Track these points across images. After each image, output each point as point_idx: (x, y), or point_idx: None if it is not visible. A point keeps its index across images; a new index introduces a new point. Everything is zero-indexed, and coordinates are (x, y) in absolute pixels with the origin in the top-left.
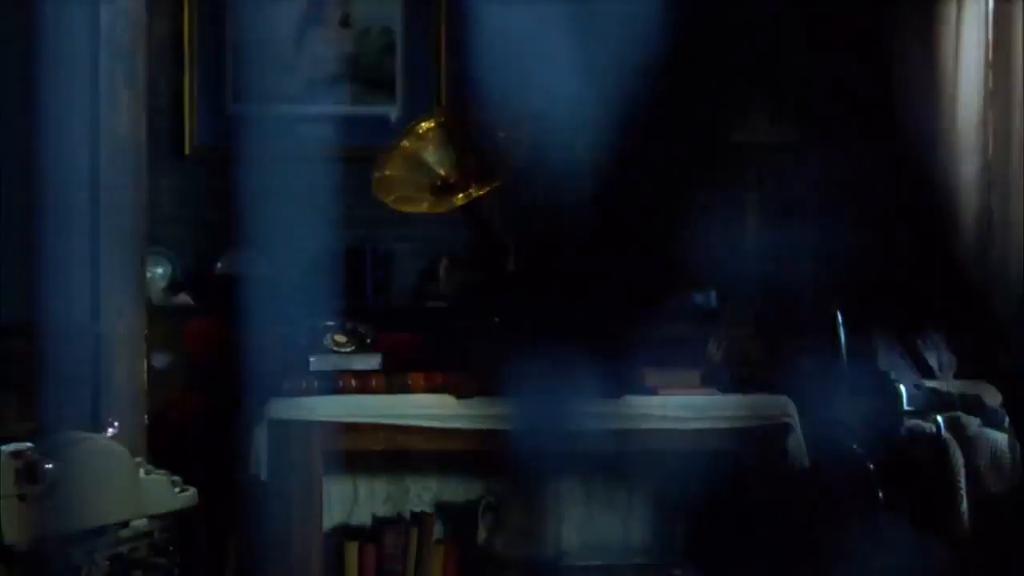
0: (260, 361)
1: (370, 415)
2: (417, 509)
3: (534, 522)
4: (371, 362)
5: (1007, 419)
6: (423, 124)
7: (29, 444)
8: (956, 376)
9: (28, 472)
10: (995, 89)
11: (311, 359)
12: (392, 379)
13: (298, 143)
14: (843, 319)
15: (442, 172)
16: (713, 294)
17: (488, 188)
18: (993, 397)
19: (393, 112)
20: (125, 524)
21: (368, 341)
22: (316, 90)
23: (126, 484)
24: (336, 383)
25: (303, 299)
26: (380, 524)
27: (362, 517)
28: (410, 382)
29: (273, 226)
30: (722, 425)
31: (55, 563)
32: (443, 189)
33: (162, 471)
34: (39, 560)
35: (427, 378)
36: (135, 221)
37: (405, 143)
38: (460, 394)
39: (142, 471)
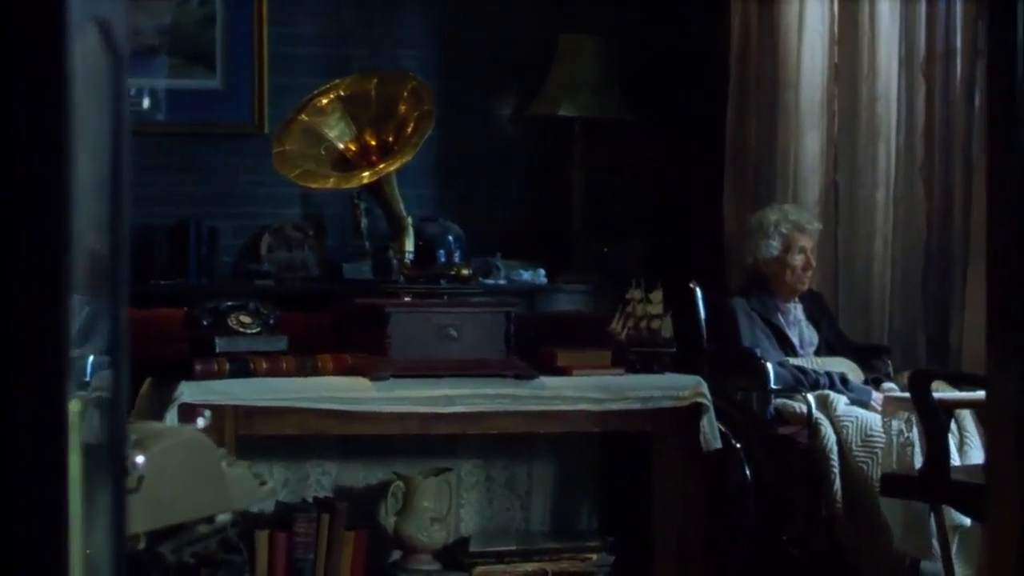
0: (165, 342)
1: (284, 399)
2: (319, 494)
3: (441, 507)
4: (278, 344)
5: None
6: (322, 97)
7: None
8: (816, 353)
9: None
10: (840, 64)
11: (217, 340)
12: (302, 361)
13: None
14: (703, 295)
15: (341, 147)
16: (542, 271)
17: (397, 164)
18: (856, 374)
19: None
20: (209, 519)
21: (272, 322)
22: (134, 63)
23: (213, 478)
24: (247, 366)
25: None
26: (289, 511)
27: (261, 503)
28: (320, 364)
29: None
30: (637, 406)
31: (144, 560)
32: (345, 164)
33: (244, 463)
34: (129, 558)
35: (336, 360)
36: (119, 205)
37: (303, 116)
38: (374, 376)
39: (224, 463)
